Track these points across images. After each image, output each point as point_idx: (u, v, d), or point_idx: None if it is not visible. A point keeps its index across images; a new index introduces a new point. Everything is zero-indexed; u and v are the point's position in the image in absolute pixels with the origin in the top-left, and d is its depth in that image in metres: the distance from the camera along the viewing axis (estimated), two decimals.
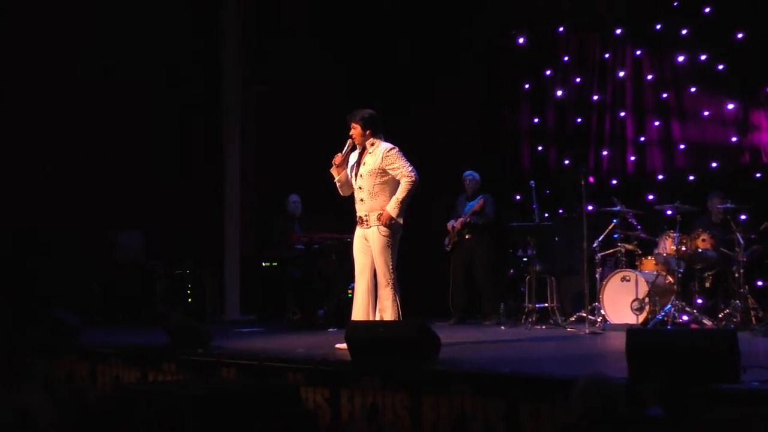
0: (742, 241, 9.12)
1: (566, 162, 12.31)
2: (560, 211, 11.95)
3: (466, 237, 10.98)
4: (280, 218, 11.51)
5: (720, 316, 9.27)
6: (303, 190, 11.49)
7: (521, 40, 12.79)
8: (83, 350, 8.06)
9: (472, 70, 12.66)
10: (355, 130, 7.63)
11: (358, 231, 7.70)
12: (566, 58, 12.46)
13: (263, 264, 11.70)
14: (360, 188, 7.62)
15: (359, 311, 7.55)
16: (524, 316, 10.23)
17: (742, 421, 4.55)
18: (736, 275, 9.15)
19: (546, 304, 10.44)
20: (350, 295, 9.09)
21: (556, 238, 11.37)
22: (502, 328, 10.27)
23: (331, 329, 9.90)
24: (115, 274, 11.76)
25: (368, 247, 7.60)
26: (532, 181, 10.60)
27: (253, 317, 12.16)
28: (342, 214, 8.82)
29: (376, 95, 10.86)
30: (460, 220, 10.95)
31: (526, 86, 12.79)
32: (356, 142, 7.68)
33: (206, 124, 13.00)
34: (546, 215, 11.50)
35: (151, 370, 7.36)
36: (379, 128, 7.68)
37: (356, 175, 7.67)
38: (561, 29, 12.47)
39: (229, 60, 13.08)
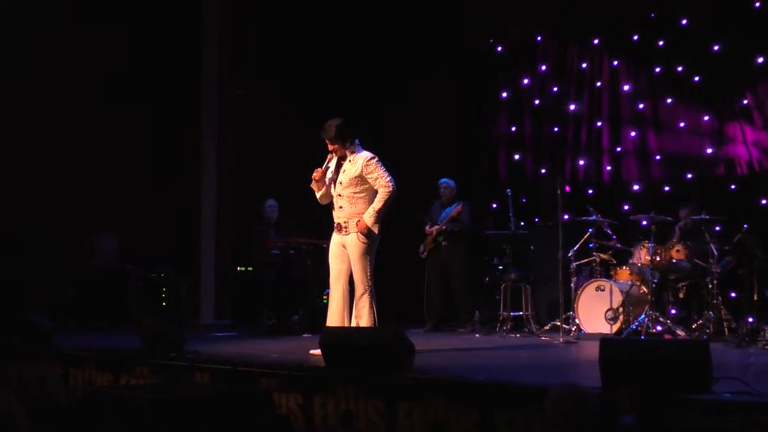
0: (716, 252, 9.16)
1: (543, 171, 12.34)
2: (536, 219, 11.98)
3: (443, 244, 10.99)
4: (256, 223, 11.48)
5: (693, 326, 9.31)
6: (280, 195, 11.46)
7: (499, 49, 12.83)
8: (56, 354, 8.00)
9: (450, 78, 12.69)
10: (335, 146, 7.62)
11: (335, 237, 7.70)
12: (544, 68, 12.51)
13: (239, 269, 11.67)
14: (340, 196, 7.61)
15: (334, 317, 7.55)
16: (499, 324, 10.24)
17: (713, 431, 4.57)
18: (710, 286, 9.19)
19: (521, 313, 10.46)
20: (325, 301, 9.08)
21: (532, 247, 11.40)
22: (477, 335, 10.28)
23: (305, 335, 9.88)
24: (91, 278, 11.69)
25: (345, 254, 7.60)
26: (508, 190, 10.63)
27: (227, 322, 12.12)
28: (318, 220, 8.80)
29: (353, 102, 10.87)
30: (436, 227, 10.96)
31: (504, 95, 12.84)
32: (338, 156, 7.67)
33: (183, 129, 12.96)
34: (522, 224, 11.53)
35: (124, 374, 7.32)
36: (353, 134, 7.68)
37: (335, 183, 7.67)
38: (539, 38, 12.53)
39: (207, 65, 13.06)
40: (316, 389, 6.06)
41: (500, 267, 10.97)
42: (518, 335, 9.98)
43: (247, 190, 12.48)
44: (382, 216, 7.51)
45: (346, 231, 7.58)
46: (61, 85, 11.54)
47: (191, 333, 8.87)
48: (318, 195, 7.75)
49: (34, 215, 11.12)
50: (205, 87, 13.07)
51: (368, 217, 7.45)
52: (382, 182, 7.50)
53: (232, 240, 12.84)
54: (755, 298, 8.86)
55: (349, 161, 7.60)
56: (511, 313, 10.25)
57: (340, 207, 7.62)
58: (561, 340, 9.24)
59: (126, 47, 12.26)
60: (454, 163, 12.31)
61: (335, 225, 7.69)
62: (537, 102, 12.57)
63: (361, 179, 7.54)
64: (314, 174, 7.70)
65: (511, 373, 6.52)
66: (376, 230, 7.49)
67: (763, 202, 10.59)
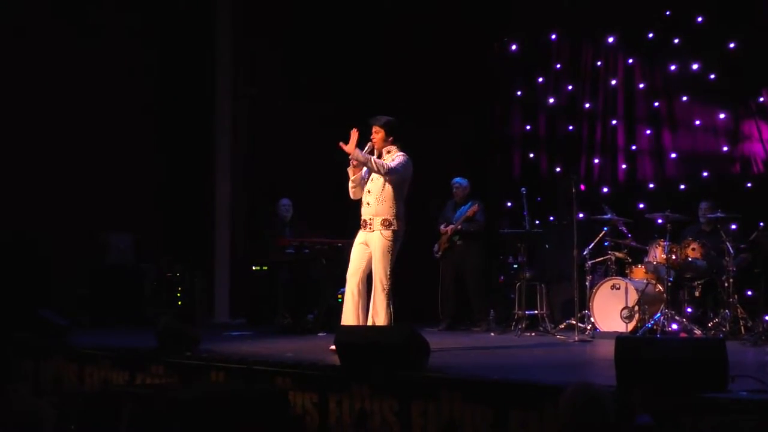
0: (731, 251, 9.13)
1: (557, 169, 12.30)
2: (551, 218, 11.94)
3: (457, 243, 10.97)
4: (270, 222, 11.48)
5: (709, 325, 9.27)
6: (294, 194, 11.47)
7: (514, 47, 12.79)
8: (72, 352, 8.03)
9: (465, 76, 12.66)
10: (378, 135, 7.70)
11: (360, 235, 7.76)
12: (558, 66, 12.46)
13: (253, 268, 11.68)
14: (369, 192, 7.66)
15: (348, 314, 7.59)
16: (514, 323, 10.23)
17: (729, 430, 4.55)
18: (726, 284, 9.16)
19: (536, 312, 10.45)
20: (340, 300, 9.07)
21: (547, 246, 11.39)
22: (492, 334, 10.26)
23: (320, 334, 9.88)
24: (105, 276, 11.71)
25: (367, 252, 7.64)
26: (523, 188, 10.60)
27: (242, 321, 12.13)
28: (332, 219, 8.79)
29: (367, 101, 10.86)
30: (452, 227, 10.95)
31: (518, 93, 12.80)
32: (375, 146, 7.71)
33: (197, 127, 12.98)
34: (537, 222, 11.49)
35: (139, 372, 7.34)
36: (399, 136, 7.74)
37: (367, 179, 7.72)
38: (553, 36, 12.48)
39: (221, 63, 13.08)
40: (331, 388, 6.07)
41: (515, 266, 10.95)
42: (533, 334, 9.96)
43: (261, 189, 12.49)
44: (364, 162, 7.55)
45: (370, 228, 7.63)
46: (76, 84, 11.57)
47: (206, 332, 8.88)
48: (352, 182, 7.79)
49: (49, 214, 11.14)
50: (218, 85, 13.09)
51: (362, 154, 7.53)
52: (388, 164, 7.58)
53: (247, 239, 12.85)
54: None
55: (384, 160, 7.65)
56: (526, 312, 10.23)
57: (368, 203, 7.68)
58: (576, 338, 9.22)
59: (139, 45, 12.28)
60: (467, 162, 12.28)
61: (361, 221, 7.74)
62: (551, 100, 12.52)
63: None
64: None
65: (525, 372, 6.51)
66: (361, 158, 7.53)
67: None
